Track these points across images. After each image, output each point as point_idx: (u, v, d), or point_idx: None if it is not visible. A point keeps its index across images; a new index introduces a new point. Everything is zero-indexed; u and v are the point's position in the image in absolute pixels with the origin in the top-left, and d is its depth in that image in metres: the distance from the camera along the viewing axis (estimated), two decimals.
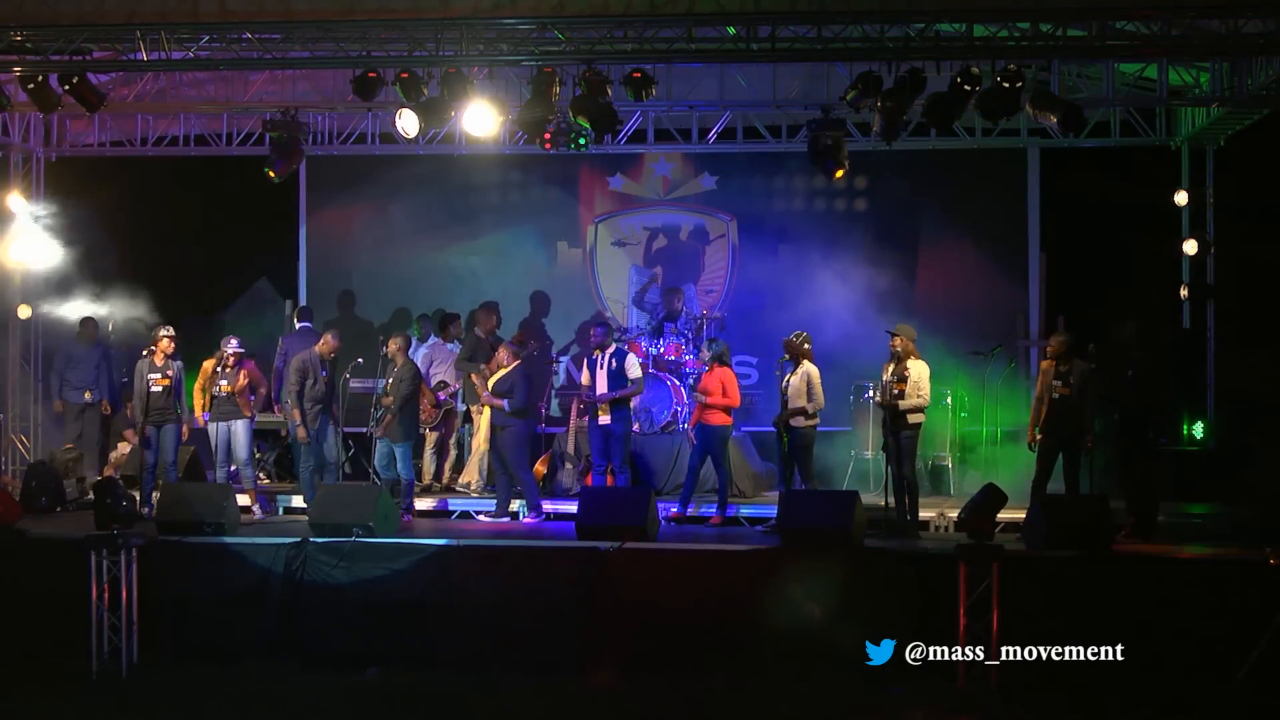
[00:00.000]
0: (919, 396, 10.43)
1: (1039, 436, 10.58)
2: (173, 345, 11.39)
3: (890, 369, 10.54)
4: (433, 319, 13.56)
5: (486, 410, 11.64)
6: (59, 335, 13.90)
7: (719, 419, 11.18)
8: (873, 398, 12.25)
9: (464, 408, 12.74)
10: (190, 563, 9.93)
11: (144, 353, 11.47)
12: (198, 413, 11.54)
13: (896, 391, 10.44)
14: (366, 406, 11.78)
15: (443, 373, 12.78)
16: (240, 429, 11.45)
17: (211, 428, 11.50)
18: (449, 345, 13.11)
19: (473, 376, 12.35)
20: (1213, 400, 13.32)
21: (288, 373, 11.62)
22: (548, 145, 11.38)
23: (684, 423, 12.27)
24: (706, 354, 11.50)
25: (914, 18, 10.15)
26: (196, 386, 11.57)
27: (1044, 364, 10.81)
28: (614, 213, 14.64)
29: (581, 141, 11.38)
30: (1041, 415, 10.55)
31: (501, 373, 11.44)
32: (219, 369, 11.46)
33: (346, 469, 12.16)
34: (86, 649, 9.33)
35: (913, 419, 10.48)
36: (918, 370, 10.50)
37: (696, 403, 11.32)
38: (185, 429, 11.59)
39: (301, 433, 11.31)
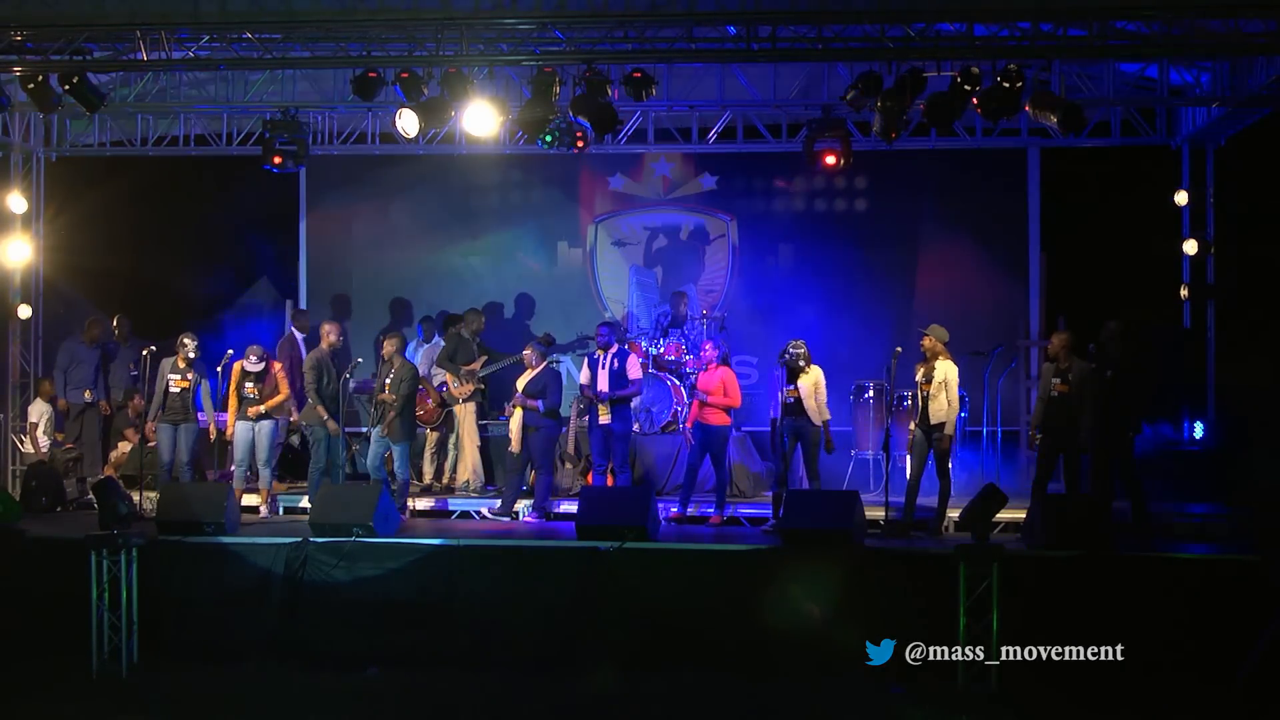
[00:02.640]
0: (948, 403, 10.47)
1: (1039, 437, 10.62)
2: (196, 350, 11.47)
3: (920, 369, 10.60)
4: (435, 320, 13.56)
5: (517, 411, 11.50)
6: (59, 335, 13.91)
7: (719, 419, 11.21)
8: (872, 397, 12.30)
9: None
10: (190, 563, 9.95)
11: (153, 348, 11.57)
12: (230, 419, 11.51)
13: (925, 392, 10.50)
14: (367, 406, 11.79)
15: (443, 373, 12.77)
16: (265, 429, 11.46)
17: (238, 426, 11.50)
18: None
19: (448, 376, 12.38)
20: (1213, 400, 13.31)
21: (305, 371, 11.70)
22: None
23: (682, 422, 12.29)
24: (712, 353, 11.46)
25: (914, 18, 10.15)
26: (231, 398, 11.57)
27: (1045, 365, 10.85)
28: (614, 213, 14.63)
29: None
30: (1039, 415, 10.60)
31: (531, 374, 11.43)
32: (244, 373, 11.46)
33: (346, 469, 12.15)
34: (87, 649, 9.36)
35: (944, 420, 10.51)
36: (944, 370, 10.53)
37: (695, 401, 11.33)
38: (212, 430, 11.66)
39: (333, 426, 11.37)
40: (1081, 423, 10.44)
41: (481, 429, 12.56)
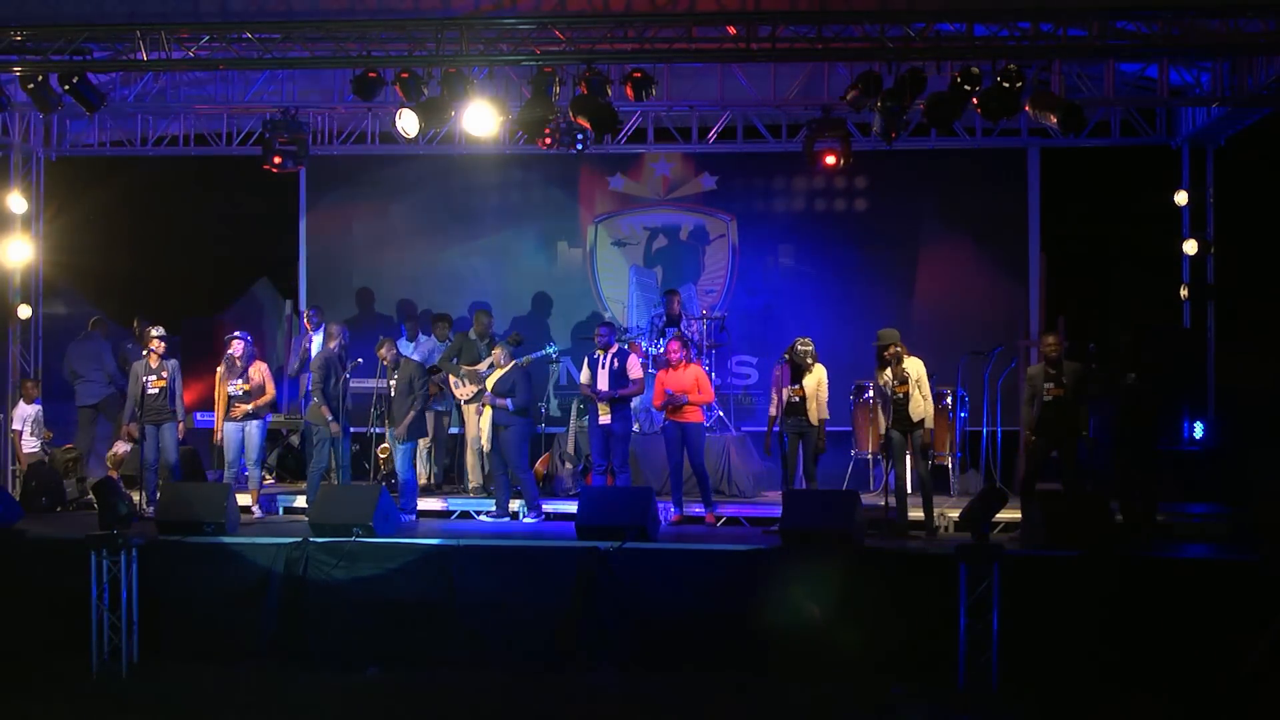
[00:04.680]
0: (925, 399, 10.48)
1: (1033, 439, 10.64)
2: (163, 345, 11.46)
3: (888, 373, 10.57)
4: (418, 319, 13.57)
5: (486, 410, 11.61)
6: (59, 335, 13.92)
7: (697, 416, 11.22)
8: (872, 397, 12.30)
9: (441, 407, 12.75)
10: (190, 563, 9.95)
11: (143, 353, 11.54)
12: (219, 425, 11.50)
13: (900, 395, 10.49)
14: (366, 407, 11.79)
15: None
16: (255, 429, 11.46)
17: (228, 427, 11.51)
18: (442, 345, 13.15)
19: (450, 376, 12.39)
20: (1213, 400, 13.32)
21: (314, 370, 11.70)
22: (547, 143, 11.39)
23: (658, 421, 12.33)
24: (680, 352, 11.40)
25: (914, 18, 10.14)
26: (217, 396, 11.56)
27: (1031, 369, 10.86)
28: (614, 213, 14.63)
29: (579, 136, 11.37)
30: (1032, 417, 10.59)
31: (500, 373, 11.43)
32: (226, 369, 11.48)
33: (349, 469, 12.13)
34: (87, 649, 9.37)
35: (924, 416, 10.53)
36: (916, 369, 10.55)
37: (667, 402, 11.25)
38: (181, 428, 11.62)
39: (334, 428, 11.31)
40: (1078, 424, 10.46)
41: None
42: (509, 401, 11.26)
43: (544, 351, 12.62)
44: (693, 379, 11.23)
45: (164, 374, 11.45)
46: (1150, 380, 10.45)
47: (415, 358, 12.63)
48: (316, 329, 12.69)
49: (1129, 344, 10.70)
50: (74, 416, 13.42)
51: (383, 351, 11.54)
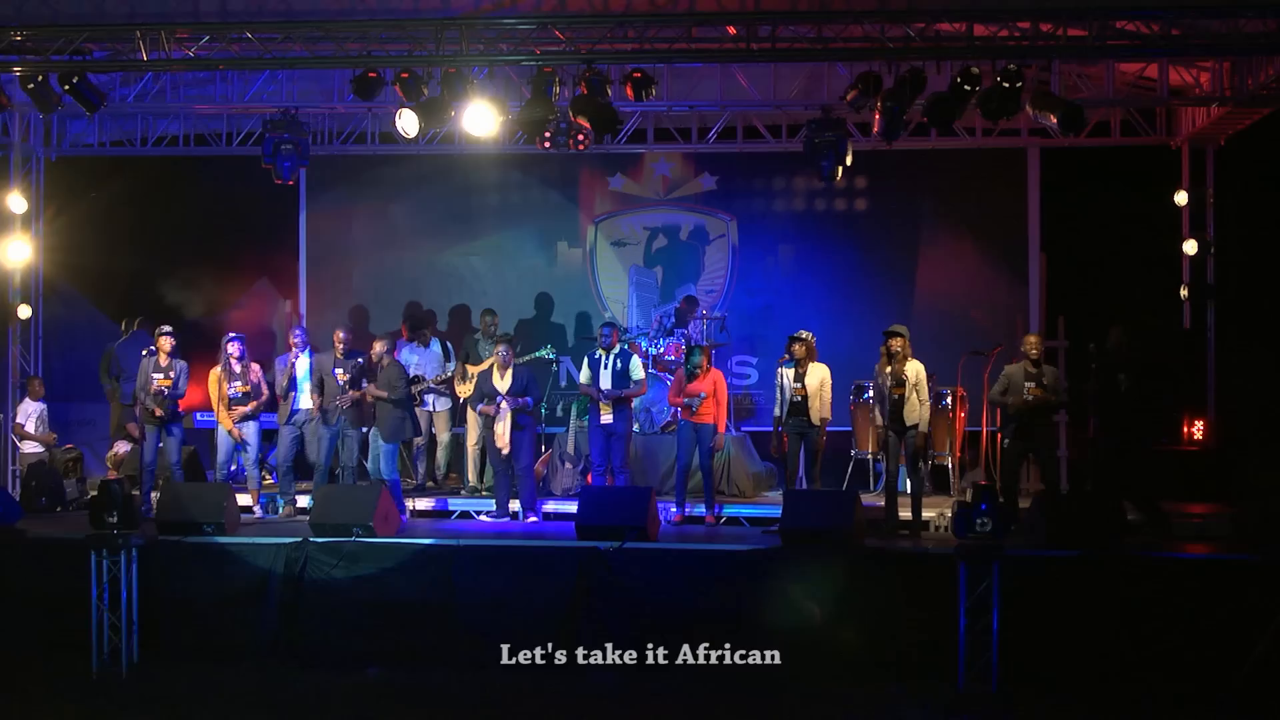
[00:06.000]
0: (922, 403, 10.49)
1: (1007, 441, 10.68)
2: (171, 344, 11.46)
3: (888, 370, 10.57)
4: (419, 320, 13.58)
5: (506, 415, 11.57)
6: (59, 335, 13.90)
7: (711, 418, 11.22)
8: (872, 397, 12.30)
9: (429, 406, 12.77)
10: (190, 563, 9.94)
11: (144, 352, 11.54)
12: (228, 426, 11.54)
13: (896, 396, 10.48)
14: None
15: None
16: (250, 430, 11.49)
17: (221, 428, 11.56)
18: (425, 346, 13.15)
19: (456, 376, 12.41)
20: (1213, 400, 13.32)
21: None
22: (546, 144, 11.35)
23: (658, 421, 12.32)
24: (702, 359, 11.37)
25: (914, 18, 10.15)
26: (213, 398, 11.59)
27: (1010, 366, 10.83)
28: (614, 213, 14.63)
29: (580, 137, 11.28)
30: (1010, 406, 10.63)
31: (508, 375, 11.39)
32: (224, 371, 11.52)
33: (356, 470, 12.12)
34: (87, 649, 9.37)
35: (918, 420, 10.53)
36: (915, 372, 10.55)
37: (682, 403, 11.26)
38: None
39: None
40: (1053, 428, 10.54)
41: None
42: (528, 400, 11.27)
43: (539, 353, 12.60)
44: (712, 382, 11.24)
45: (171, 373, 11.45)
46: (1145, 381, 10.46)
47: (404, 359, 12.65)
48: (303, 349, 12.00)
49: (1116, 342, 10.71)
50: (72, 417, 13.49)
51: (376, 348, 11.54)
